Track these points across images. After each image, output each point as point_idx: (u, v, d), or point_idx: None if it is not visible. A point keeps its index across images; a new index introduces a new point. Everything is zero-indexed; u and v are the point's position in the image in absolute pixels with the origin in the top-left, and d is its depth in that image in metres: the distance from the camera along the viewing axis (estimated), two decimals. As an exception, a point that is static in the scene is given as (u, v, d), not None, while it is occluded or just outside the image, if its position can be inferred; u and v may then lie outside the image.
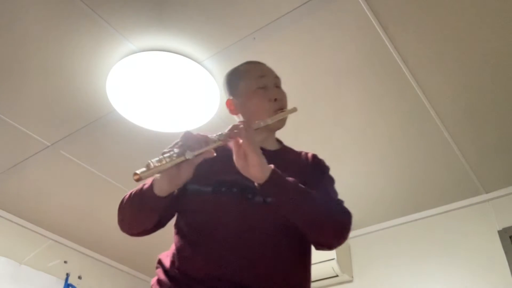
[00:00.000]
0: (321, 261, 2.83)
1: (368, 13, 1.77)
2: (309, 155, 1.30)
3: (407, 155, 2.47)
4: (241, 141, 1.04)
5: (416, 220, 2.88)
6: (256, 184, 1.05)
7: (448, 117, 2.23)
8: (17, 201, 2.92)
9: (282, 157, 1.26)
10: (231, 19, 1.82)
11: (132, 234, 1.19)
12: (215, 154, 1.06)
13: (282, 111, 1.28)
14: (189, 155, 1.01)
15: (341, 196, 1.22)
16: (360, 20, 1.80)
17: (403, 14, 1.78)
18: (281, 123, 1.30)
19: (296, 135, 2.33)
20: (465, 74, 2.01)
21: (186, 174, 1.05)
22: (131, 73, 1.98)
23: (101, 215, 3.00)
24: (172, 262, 1.11)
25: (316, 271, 2.86)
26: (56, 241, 3.24)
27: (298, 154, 1.31)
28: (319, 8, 1.76)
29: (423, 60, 1.96)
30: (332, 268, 2.82)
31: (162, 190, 1.06)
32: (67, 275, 3.20)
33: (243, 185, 1.13)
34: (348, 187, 2.66)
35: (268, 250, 1.09)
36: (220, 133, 1.07)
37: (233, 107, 1.32)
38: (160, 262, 1.15)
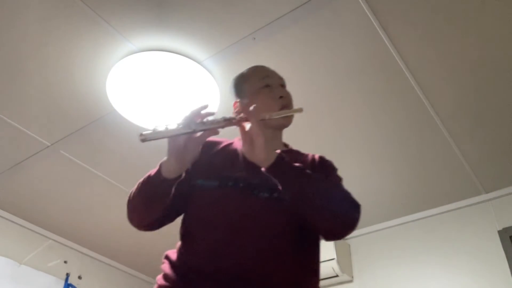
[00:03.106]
0: (321, 261, 2.83)
1: (368, 13, 1.77)
2: (316, 156, 1.31)
3: (407, 155, 2.47)
4: (247, 127, 1.05)
5: (416, 220, 2.88)
6: (262, 168, 1.05)
7: (448, 117, 2.22)
8: (17, 201, 2.92)
9: (288, 157, 1.26)
10: (231, 19, 1.82)
11: (142, 226, 1.19)
12: (219, 132, 1.07)
13: (288, 109, 1.29)
14: (194, 126, 1.03)
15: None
16: (360, 20, 1.80)
17: (403, 14, 1.78)
18: (286, 121, 1.31)
19: (296, 135, 2.32)
20: (466, 74, 2.01)
21: (192, 151, 1.07)
22: (131, 73, 1.98)
23: (101, 215, 2.99)
24: (178, 256, 1.12)
25: (316, 271, 2.88)
26: (56, 241, 3.23)
27: (305, 156, 1.31)
28: (319, 8, 1.76)
29: (423, 60, 1.96)
30: (332, 268, 2.81)
31: (169, 170, 1.07)
32: (67, 275, 3.19)
33: (249, 181, 1.14)
34: (348, 187, 2.63)
35: (272, 244, 1.09)
36: (224, 116, 1.07)
37: (239, 108, 1.33)
38: (167, 257, 1.16)
